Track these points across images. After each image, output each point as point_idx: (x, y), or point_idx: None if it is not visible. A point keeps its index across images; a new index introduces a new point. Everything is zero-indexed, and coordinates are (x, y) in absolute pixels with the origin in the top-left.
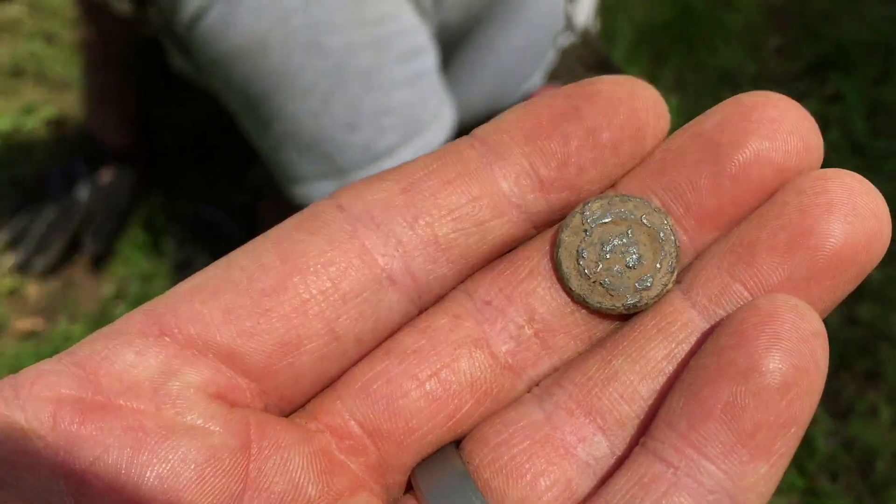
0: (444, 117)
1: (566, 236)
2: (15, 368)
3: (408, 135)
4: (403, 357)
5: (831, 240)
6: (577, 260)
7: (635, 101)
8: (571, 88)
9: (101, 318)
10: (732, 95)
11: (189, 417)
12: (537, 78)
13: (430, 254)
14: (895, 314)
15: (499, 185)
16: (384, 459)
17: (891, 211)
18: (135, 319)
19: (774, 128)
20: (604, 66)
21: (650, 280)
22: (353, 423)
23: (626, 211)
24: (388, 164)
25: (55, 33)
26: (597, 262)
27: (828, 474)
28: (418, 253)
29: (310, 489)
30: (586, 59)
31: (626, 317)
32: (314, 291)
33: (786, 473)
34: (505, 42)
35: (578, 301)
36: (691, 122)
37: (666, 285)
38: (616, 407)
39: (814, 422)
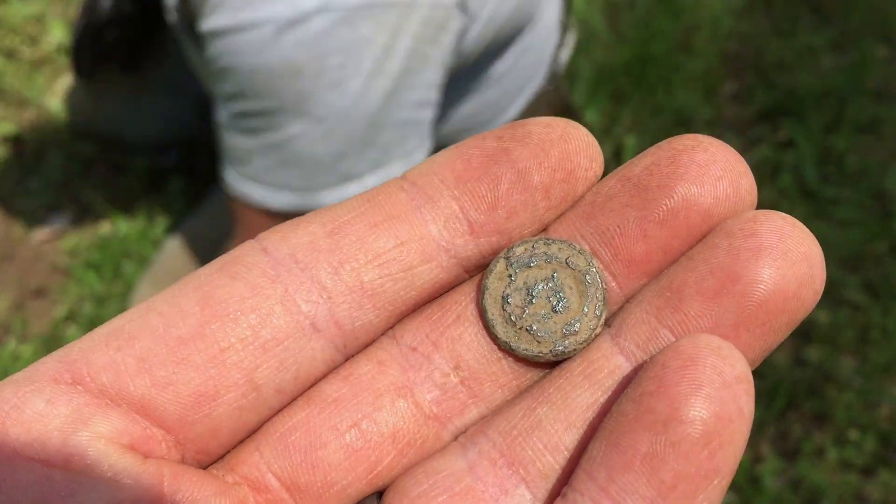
0: (415, 158)
1: (491, 282)
2: None
3: (377, 165)
4: (324, 406)
5: (760, 285)
6: (503, 306)
7: (567, 143)
8: (503, 130)
9: (51, 340)
10: None
11: (99, 470)
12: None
13: (355, 300)
14: (843, 357)
15: (427, 229)
16: None
17: (841, 255)
18: (47, 366)
19: (703, 172)
20: (565, 109)
21: (577, 325)
22: (270, 475)
23: (551, 254)
24: (354, 188)
25: (16, 49)
26: (522, 308)
27: None
28: (343, 299)
29: None
30: (552, 100)
31: (555, 363)
32: (233, 340)
33: None
34: (505, 69)
35: (504, 349)
36: (623, 165)
37: (594, 329)
38: (539, 458)
39: (761, 461)
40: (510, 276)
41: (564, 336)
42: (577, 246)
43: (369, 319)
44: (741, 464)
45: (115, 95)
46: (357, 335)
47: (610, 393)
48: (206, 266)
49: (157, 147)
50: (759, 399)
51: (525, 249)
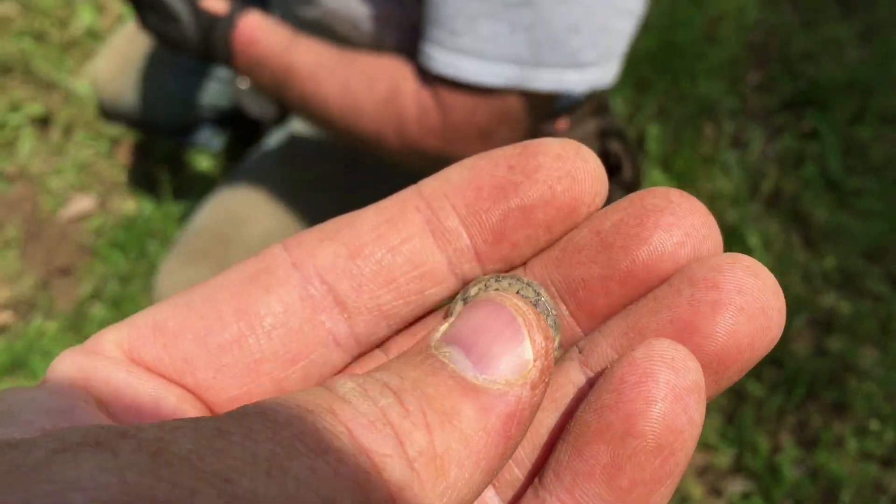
0: (618, 61)
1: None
2: None
3: (601, 59)
4: None
5: (716, 339)
6: None
7: (574, 179)
8: (514, 157)
9: (76, 317)
10: (712, 127)
11: None
12: None
13: (372, 319)
14: (864, 347)
15: (440, 256)
16: None
17: (863, 246)
18: (111, 346)
19: (667, 237)
20: (601, 108)
21: None
22: None
23: (501, 290)
24: (575, 76)
25: (45, 32)
26: None
27: (793, 502)
28: (362, 319)
29: None
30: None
31: None
32: (266, 353)
33: (751, 499)
34: None
35: None
36: (597, 215)
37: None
38: (509, 471)
39: (781, 450)
40: None
41: None
42: (524, 279)
43: (383, 334)
44: (760, 452)
45: (141, 75)
46: (370, 345)
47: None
48: (240, 268)
49: (183, 128)
50: (779, 388)
51: (478, 289)
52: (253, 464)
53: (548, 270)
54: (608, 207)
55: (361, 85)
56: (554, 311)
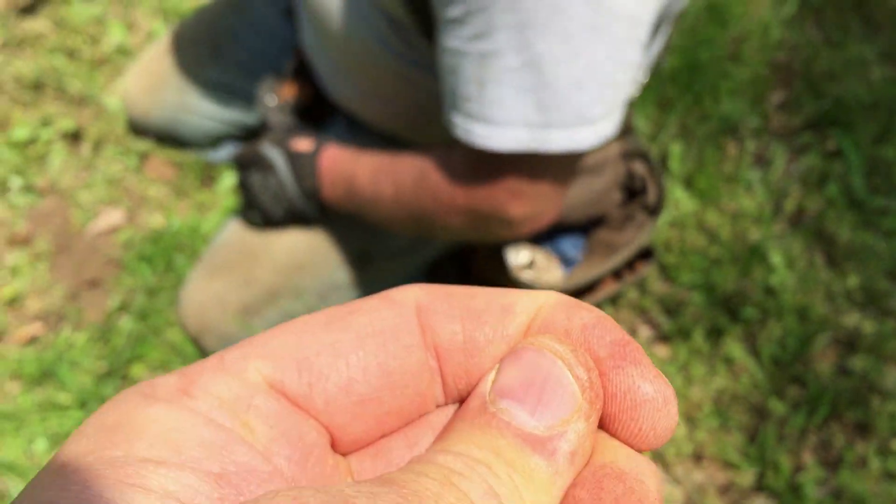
0: (623, 109)
1: None
2: (17, 373)
3: (609, 111)
4: None
5: None
6: None
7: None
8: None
9: (104, 329)
10: (735, 145)
11: None
12: None
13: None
14: (887, 367)
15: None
16: None
17: (887, 266)
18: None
19: None
20: (625, 130)
21: None
22: None
23: None
24: (587, 132)
25: (77, 49)
26: None
27: None
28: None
29: None
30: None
31: None
32: (393, 407)
33: None
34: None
35: None
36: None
37: None
38: None
39: (803, 469)
40: None
41: None
42: None
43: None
44: (782, 471)
45: (170, 92)
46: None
47: None
48: (380, 315)
49: (211, 143)
50: (801, 407)
51: None
52: None
53: None
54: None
55: (404, 172)
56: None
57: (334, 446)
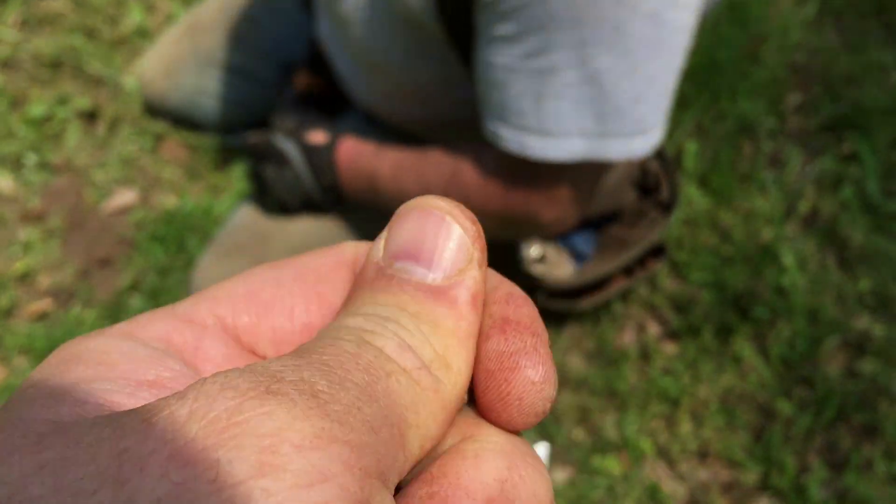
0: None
1: None
2: (27, 348)
3: (661, 119)
4: None
5: None
6: None
7: None
8: None
9: (114, 307)
10: (751, 146)
11: None
12: None
13: None
14: None
15: None
16: None
17: None
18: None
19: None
20: (654, 152)
21: None
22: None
23: None
24: (641, 141)
25: (96, 29)
26: None
27: None
28: None
29: None
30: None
31: None
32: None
33: None
34: None
35: None
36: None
37: None
38: None
39: (808, 471)
40: None
41: None
42: None
43: None
44: (787, 471)
45: (187, 76)
46: None
47: None
48: (321, 254)
49: (226, 128)
50: (809, 408)
51: None
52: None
53: None
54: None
55: (431, 171)
56: None
57: None
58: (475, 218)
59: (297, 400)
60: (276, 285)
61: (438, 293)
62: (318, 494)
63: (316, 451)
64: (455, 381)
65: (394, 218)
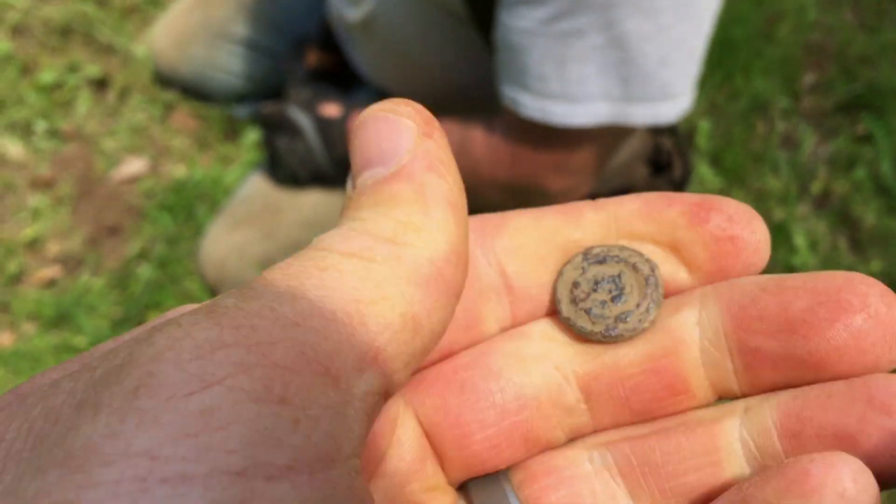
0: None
1: (566, 270)
2: (35, 314)
3: (689, 85)
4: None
5: (874, 461)
6: (571, 289)
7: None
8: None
9: (122, 276)
10: (764, 125)
11: None
12: None
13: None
14: None
15: None
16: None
17: None
18: None
19: (856, 343)
20: (667, 129)
21: (630, 316)
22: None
23: (623, 257)
24: (667, 107)
25: None
26: (587, 294)
27: None
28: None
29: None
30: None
31: (604, 343)
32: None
33: None
34: None
35: (564, 322)
36: (784, 286)
37: (642, 322)
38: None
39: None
40: (584, 268)
41: (616, 322)
42: (644, 255)
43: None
44: None
45: (197, 47)
46: None
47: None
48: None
49: (236, 99)
50: None
51: (602, 250)
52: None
53: (719, 311)
54: (796, 281)
55: None
56: (661, 290)
57: None
58: (412, 101)
59: (199, 318)
60: None
61: (394, 176)
62: (196, 403)
63: (197, 360)
64: (428, 240)
65: (352, 133)
